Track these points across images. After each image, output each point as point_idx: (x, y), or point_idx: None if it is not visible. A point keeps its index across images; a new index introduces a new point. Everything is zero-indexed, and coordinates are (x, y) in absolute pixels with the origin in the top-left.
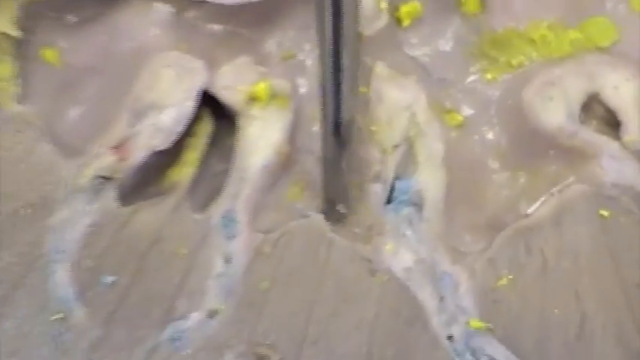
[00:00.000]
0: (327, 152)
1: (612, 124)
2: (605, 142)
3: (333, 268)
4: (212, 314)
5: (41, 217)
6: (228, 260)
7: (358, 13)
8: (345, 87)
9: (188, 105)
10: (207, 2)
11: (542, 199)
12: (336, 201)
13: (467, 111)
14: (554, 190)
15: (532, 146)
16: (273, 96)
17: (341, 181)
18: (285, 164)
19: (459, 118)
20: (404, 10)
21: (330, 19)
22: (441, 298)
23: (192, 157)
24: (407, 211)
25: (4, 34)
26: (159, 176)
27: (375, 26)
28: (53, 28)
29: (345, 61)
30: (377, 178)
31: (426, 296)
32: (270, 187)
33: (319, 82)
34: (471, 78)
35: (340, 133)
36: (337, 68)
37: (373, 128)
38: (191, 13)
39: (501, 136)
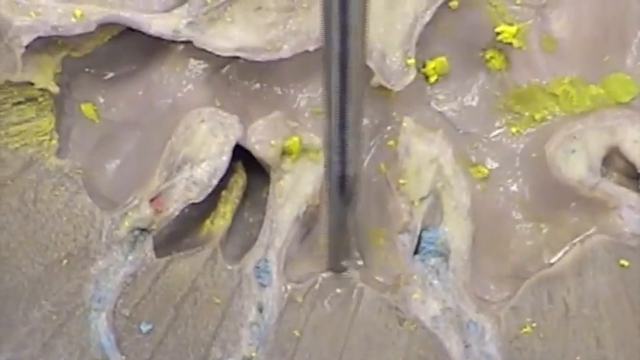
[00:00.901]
0: (332, 209)
1: (632, 176)
2: (625, 194)
3: (363, 316)
4: None
5: (80, 267)
6: (261, 309)
7: (363, 70)
8: (350, 143)
9: (222, 159)
10: (241, 59)
11: (565, 249)
12: (340, 257)
13: (492, 164)
14: (576, 240)
15: (554, 198)
16: (305, 150)
17: (345, 237)
18: (316, 216)
19: (485, 171)
20: (430, 65)
21: (336, 75)
22: (467, 346)
23: (226, 209)
24: (434, 261)
25: (44, 89)
26: (194, 228)
27: (402, 82)
28: (91, 84)
29: (351, 116)
30: (405, 229)
31: (453, 344)
32: (302, 238)
33: (324, 139)
34: (496, 132)
35: (345, 189)
36: (343, 124)
37: (401, 181)
38: (225, 70)
39: (525, 188)
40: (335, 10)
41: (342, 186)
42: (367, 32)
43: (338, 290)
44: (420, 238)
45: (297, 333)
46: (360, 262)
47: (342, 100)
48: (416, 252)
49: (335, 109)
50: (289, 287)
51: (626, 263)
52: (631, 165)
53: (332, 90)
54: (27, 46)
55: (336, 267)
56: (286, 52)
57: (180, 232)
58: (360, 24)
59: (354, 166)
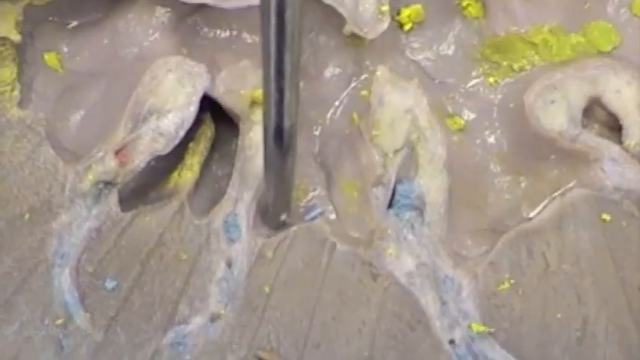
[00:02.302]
0: (269, 159)
1: (614, 128)
2: (606, 146)
3: (335, 272)
4: (214, 318)
5: (43, 221)
6: (229, 264)
7: (302, 20)
8: (287, 93)
9: (190, 109)
10: (209, 6)
11: (544, 203)
12: (278, 208)
13: (469, 115)
14: (556, 194)
15: (533, 150)
16: None
17: (283, 189)
18: None
19: (461, 122)
20: (405, 13)
21: (273, 25)
22: (443, 302)
23: (193, 161)
24: (409, 215)
25: (5, 38)
26: (160, 181)
27: (376, 30)
28: (55, 33)
29: (288, 66)
30: (378, 182)
31: (428, 300)
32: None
33: (262, 88)
34: (473, 82)
35: (282, 140)
36: (279, 74)
37: (374, 132)
38: (192, 18)
39: (503, 140)
40: None
41: (278, 137)
42: None
43: (309, 244)
44: (394, 191)
45: (267, 289)
46: (333, 216)
47: (278, 48)
48: (390, 206)
49: (272, 58)
50: (259, 242)
51: (608, 217)
52: (613, 116)
53: (269, 38)
54: None
55: (271, 219)
56: None
57: (147, 185)
58: None
59: (291, 118)
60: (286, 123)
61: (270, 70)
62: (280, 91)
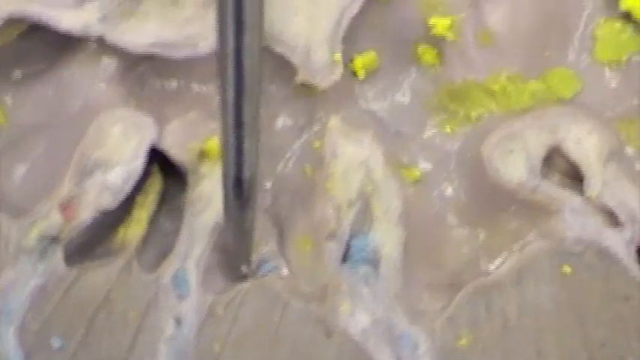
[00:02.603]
0: (229, 211)
1: (575, 177)
2: (567, 197)
3: (288, 329)
4: None
5: None
6: (179, 322)
7: (261, 68)
8: (247, 143)
9: (137, 163)
10: (157, 56)
11: (504, 255)
12: (239, 261)
13: (425, 165)
14: (516, 246)
15: (492, 201)
16: None
17: (243, 241)
18: None
19: (417, 173)
20: (359, 61)
21: (231, 72)
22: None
23: (141, 215)
24: (363, 269)
25: None
26: (107, 235)
27: (329, 79)
28: None
29: (247, 115)
30: (332, 236)
31: (384, 358)
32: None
33: (220, 138)
34: (429, 132)
35: (242, 191)
36: (238, 124)
37: (327, 185)
38: (140, 68)
39: (460, 192)
40: (230, 5)
41: (238, 188)
42: (263, 28)
43: (261, 301)
44: (348, 245)
45: (217, 347)
46: (285, 271)
47: (237, 98)
48: (344, 260)
49: (230, 107)
50: (209, 298)
51: (569, 270)
52: (573, 165)
53: (227, 87)
54: None
55: (232, 272)
56: (204, 48)
57: (93, 240)
58: (256, 19)
59: (250, 168)
60: (246, 173)
61: (229, 120)
62: (239, 141)
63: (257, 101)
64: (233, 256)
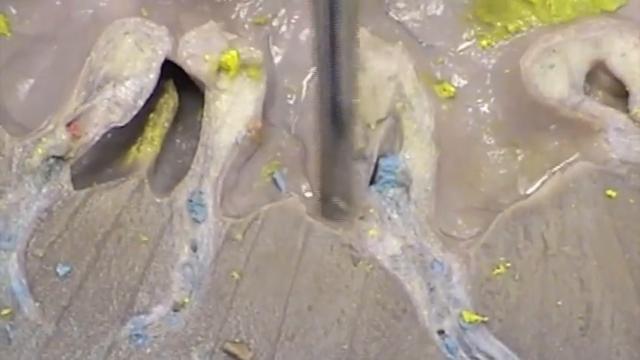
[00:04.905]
0: (325, 140)
1: (620, 94)
2: (611, 115)
3: (312, 256)
4: (177, 308)
5: None
6: (194, 248)
7: None
8: (344, 66)
9: (149, 76)
10: None
11: (543, 178)
12: (335, 195)
13: (459, 81)
14: (556, 168)
15: (531, 120)
16: (244, 66)
17: (340, 172)
18: (257, 141)
19: (451, 89)
20: None
21: None
22: (431, 289)
23: (154, 134)
24: (393, 192)
25: None
26: (117, 156)
27: None
28: None
29: (342, 35)
30: (360, 156)
31: (415, 287)
32: (241, 166)
33: (315, 60)
34: (464, 45)
35: (338, 118)
36: (333, 43)
37: (355, 101)
38: None
39: (497, 109)
40: None
41: (334, 115)
42: None
43: (283, 226)
44: (377, 166)
45: (236, 275)
46: (309, 194)
47: (332, 15)
48: (373, 182)
49: (324, 26)
50: (227, 222)
51: (613, 194)
52: (618, 82)
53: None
54: None
55: (329, 209)
56: None
57: (102, 161)
58: None
59: (348, 95)
60: (343, 99)
61: (323, 41)
62: (335, 63)
63: (355, 20)
64: (328, 190)
